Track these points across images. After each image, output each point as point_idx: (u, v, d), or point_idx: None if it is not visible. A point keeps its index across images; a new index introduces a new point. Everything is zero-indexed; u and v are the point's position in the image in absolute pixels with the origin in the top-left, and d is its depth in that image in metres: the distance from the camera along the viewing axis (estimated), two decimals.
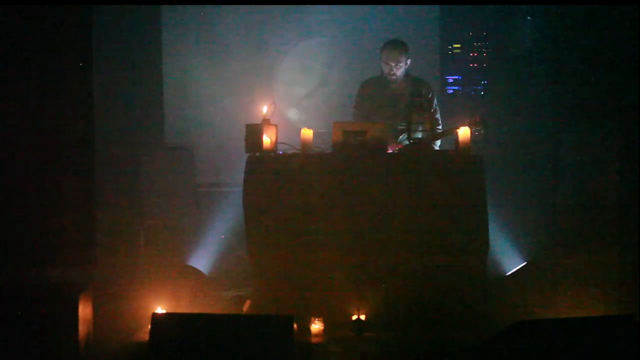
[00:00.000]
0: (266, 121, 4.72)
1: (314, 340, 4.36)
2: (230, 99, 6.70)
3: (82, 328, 4.09)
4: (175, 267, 5.59)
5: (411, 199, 4.56)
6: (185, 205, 6.49)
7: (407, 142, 5.11)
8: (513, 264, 5.67)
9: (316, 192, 4.57)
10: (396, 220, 4.55)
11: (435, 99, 5.50)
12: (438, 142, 5.27)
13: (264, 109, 4.75)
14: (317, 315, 4.43)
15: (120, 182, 6.26)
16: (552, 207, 6.58)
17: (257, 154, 4.66)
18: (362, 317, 4.41)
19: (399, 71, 5.32)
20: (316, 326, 4.41)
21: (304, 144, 4.77)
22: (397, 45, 5.32)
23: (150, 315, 3.87)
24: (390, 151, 4.94)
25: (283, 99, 6.73)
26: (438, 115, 5.47)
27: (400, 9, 6.83)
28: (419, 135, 4.73)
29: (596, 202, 6.30)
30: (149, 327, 3.72)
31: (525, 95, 6.87)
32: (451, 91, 7.19)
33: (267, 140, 4.64)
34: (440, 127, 5.39)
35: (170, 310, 4.51)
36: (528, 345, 3.60)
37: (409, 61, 5.35)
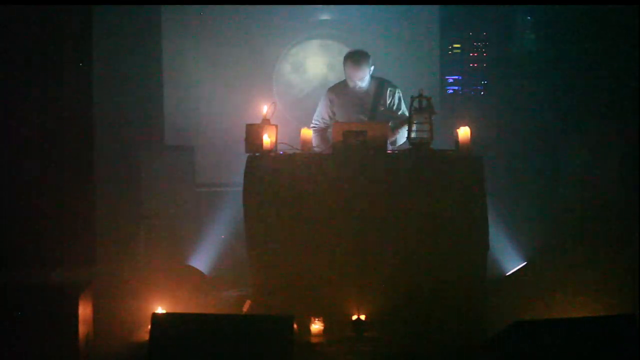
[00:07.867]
0: (266, 121, 4.73)
1: (314, 340, 4.36)
2: (230, 99, 6.69)
3: (82, 328, 4.09)
4: (175, 267, 5.59)
5: (411, 199, 4.56)
6: (185, 205, 6.48)
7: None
8: (513, 264, 5.67)
9: (316, 192, 4.57)
10: (396, 220, 4.55)
11: (401, 98, 5.40)
12: (400, 139, 5.23)
13: (264, 109, 4.75)
14: (317, 315, 4.43)
15: (120, 182, 6.26)
16: (552, 207, 6.58)
17: (257, 154, 4.66)
18: (362, 317, 4.41)
19: (364, 83, 5.29)
20: (316, 326, 4.41)
21: (304, 144, 4.78)
22: (358, 61, 5.23)
23: (150, 315, 3.87)
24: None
25: (283, 99, 6.74)
26: (403, 113, 5.34)
27: (400, 9, 6.82)
28: (420, 135, 4.72)
29: (596, 202, 6.32)
30: (149, 327, 3.72)
31: (526, 96, 6.87)
32: (451, 91, 7.20)
33: (267, 140, 4.64)
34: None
35: (170, 310, 4.51)
36: (528, 345, 3.60)
37: (372, 68, 5.29)
